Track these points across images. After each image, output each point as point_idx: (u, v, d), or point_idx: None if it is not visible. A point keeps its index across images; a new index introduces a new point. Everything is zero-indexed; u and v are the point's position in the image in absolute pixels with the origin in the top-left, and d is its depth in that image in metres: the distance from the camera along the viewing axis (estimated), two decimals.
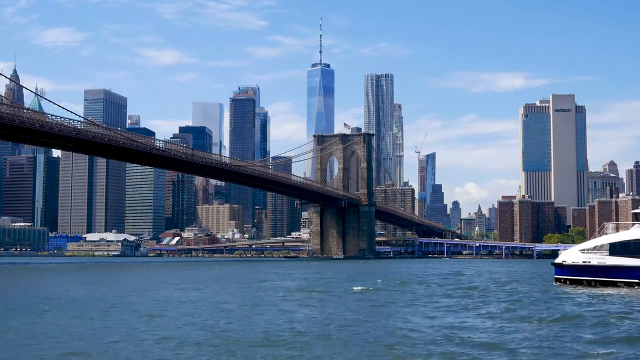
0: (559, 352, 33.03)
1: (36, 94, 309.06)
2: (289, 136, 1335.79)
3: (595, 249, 74.40)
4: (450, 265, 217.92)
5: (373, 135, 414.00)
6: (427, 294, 71.43)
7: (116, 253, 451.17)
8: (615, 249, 72.70)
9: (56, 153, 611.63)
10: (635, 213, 79.45)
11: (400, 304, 58.95)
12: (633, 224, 76.68)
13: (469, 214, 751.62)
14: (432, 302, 61.12)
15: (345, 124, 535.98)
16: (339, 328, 41.21)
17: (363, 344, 35.12)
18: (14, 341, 36.45)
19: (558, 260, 79.52)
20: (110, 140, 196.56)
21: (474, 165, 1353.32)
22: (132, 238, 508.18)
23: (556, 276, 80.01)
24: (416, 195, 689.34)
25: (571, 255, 77.48)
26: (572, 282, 76.39)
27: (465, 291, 76.51)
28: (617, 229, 78.99)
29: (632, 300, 59.12)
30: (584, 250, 75.96)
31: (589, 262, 74.18)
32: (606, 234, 76.90)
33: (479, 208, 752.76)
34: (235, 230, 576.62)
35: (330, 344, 35.13)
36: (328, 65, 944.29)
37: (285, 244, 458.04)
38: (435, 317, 48.06)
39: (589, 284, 74.20)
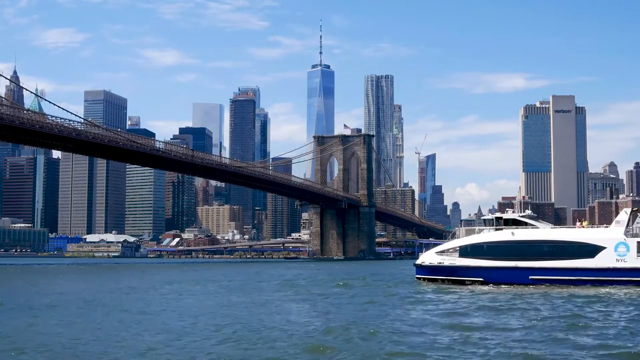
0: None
1: (36, 95, 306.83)
2: (289, 137, 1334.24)
3: (449, 251, 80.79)
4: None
5: (373, 136, 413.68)
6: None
7: (116, 254, 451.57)
8: (466, 251, 79.00)
9: (56, 154, 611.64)
10: (484, 219, 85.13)
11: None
12: (482, 230, 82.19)
13: (469, 214, 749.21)
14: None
15: (345, 125, 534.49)
16: None
17: None
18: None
19: (418, 262, 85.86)
20: (110, 141, 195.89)
21: (474, 166, 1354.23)
22: (132, 239, 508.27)
23: (417, 275, 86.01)
24: (416, 196, 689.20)
25: (429, 256, 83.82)
26: (429, 280, 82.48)
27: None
28: (468, 234, 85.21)
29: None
30: (439, 252, 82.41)
31: (443, 262, 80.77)
32: (459, 237, 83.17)
33: (479, 209, 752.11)
34: (235, 231, 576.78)
35: None
36: (328, 66, 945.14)
37: (286, 245, 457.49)
38: None
39: (442, 282, 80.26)
